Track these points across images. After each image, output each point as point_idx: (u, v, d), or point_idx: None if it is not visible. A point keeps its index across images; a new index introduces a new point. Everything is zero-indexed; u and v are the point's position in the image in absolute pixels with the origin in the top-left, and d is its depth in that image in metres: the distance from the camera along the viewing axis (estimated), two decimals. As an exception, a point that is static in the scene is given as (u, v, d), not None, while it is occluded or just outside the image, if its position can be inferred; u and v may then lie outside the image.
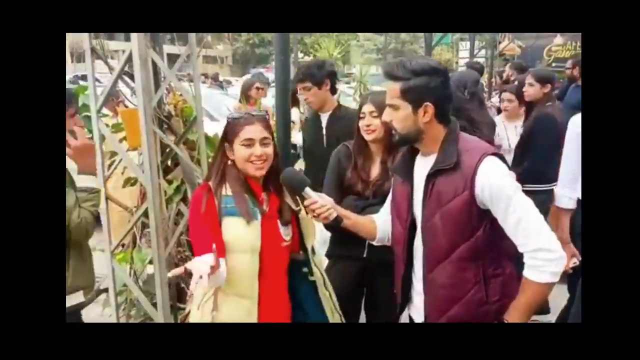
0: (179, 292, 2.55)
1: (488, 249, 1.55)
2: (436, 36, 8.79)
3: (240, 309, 1.70)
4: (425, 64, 1.54)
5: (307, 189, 1.65)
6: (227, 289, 1.70)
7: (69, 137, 1.77)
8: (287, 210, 1.81)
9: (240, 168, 1.73)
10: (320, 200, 1.65)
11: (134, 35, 1.89)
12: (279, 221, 1.77)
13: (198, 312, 1.75)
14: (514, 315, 1.52)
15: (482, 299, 1.56)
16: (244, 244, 1.68)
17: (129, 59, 1.99)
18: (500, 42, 11.33)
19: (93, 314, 2.29)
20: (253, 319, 1.70)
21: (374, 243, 1.88)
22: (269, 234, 1.72)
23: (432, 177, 1.55)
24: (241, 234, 1.66)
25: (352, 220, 1.79)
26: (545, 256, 1.46)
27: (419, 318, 1.70)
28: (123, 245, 2.50)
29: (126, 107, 2.54)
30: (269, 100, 5.71)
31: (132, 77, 2.40)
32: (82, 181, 1.85)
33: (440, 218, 1.53)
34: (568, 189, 2.39)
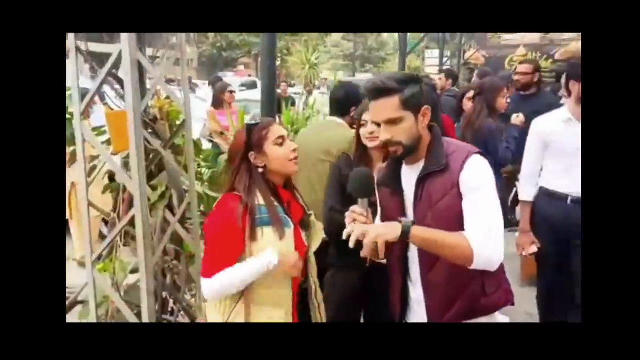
0: (163, 303, 2.47)
1: None
2: (410, 44, 8.88)
3: (275, 319, 1.66)
4: (405, 74, 1.60)
5: (364, 200, 1.57)
6: (261, 300, 1.65)
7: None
8: (307, 216, 1.79)
9: (278, 169, 1.69)
10: (364, 219, 1.54)
11: (124, 37, 1.81)
12: (300, 227, 1.75)
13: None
14: (419, 232, 1.46)
15: (481, 292, 1.60)
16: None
17: (116, 61, 1.91)
18: (465, 52, 11.59)
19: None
20: None
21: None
22: (298, 242, 1.71)
23: (422, 180, 1.59)
24: (278, 243, 1.63)
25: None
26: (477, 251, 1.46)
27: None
28: (100, 255, 2.39)
29: (111, 109, 2.42)
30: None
31: (116, 78, 2.32)
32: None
33: (432, 217, 1.56)
34: (528, 184, 2.78)
